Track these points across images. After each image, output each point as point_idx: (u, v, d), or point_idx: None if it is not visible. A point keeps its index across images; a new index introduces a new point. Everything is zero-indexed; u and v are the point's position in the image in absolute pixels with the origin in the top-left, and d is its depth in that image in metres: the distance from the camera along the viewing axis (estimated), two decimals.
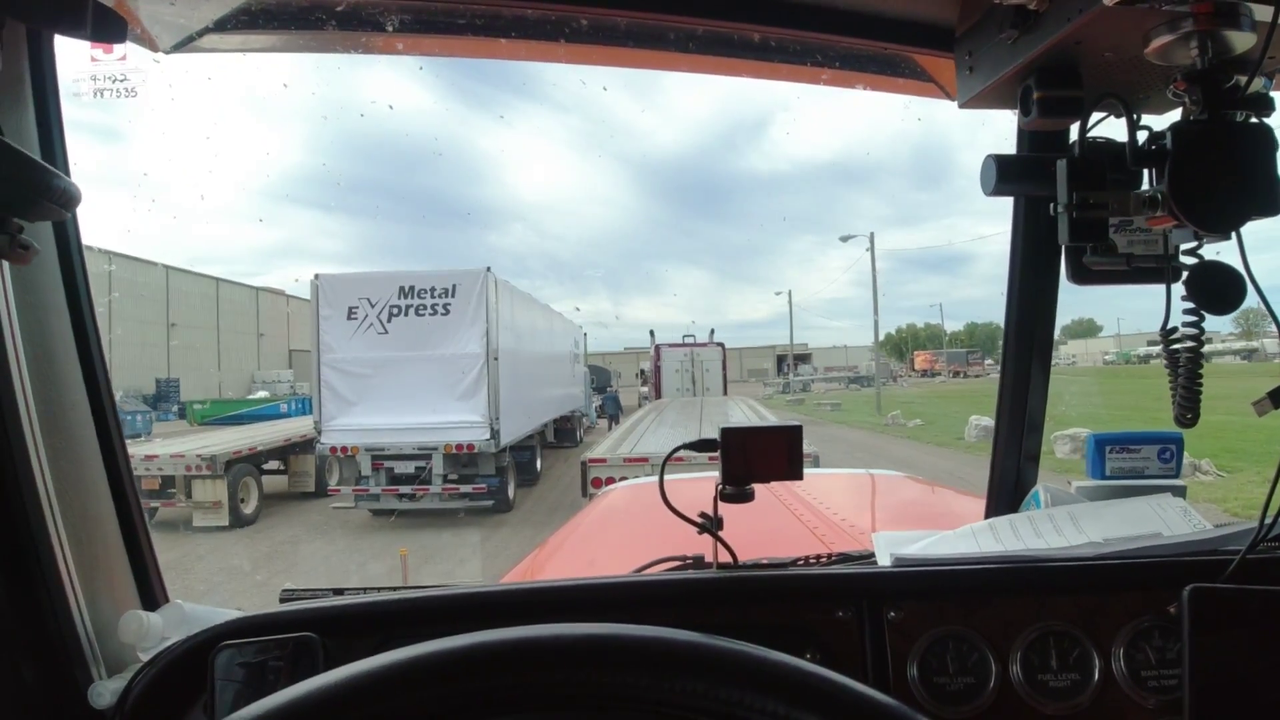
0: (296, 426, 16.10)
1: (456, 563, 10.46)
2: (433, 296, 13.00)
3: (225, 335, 40.79)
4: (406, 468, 12.80)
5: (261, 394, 30.29)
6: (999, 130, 1.49)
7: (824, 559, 1.45)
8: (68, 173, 1.20)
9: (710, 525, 1.31)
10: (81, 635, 1.17)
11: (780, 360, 58.95)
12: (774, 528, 2.62)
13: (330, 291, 13.06)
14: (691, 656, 0.63)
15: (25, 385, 1.12)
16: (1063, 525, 1.41)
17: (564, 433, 20.90)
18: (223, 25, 1.37)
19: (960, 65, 1.32)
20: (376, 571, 10.02)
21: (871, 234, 33.15)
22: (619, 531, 3.14)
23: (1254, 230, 1.11)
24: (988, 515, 1.64)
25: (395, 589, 1.34)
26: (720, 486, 1.30)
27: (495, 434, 12.79)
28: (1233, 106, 1.06)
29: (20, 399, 1.11)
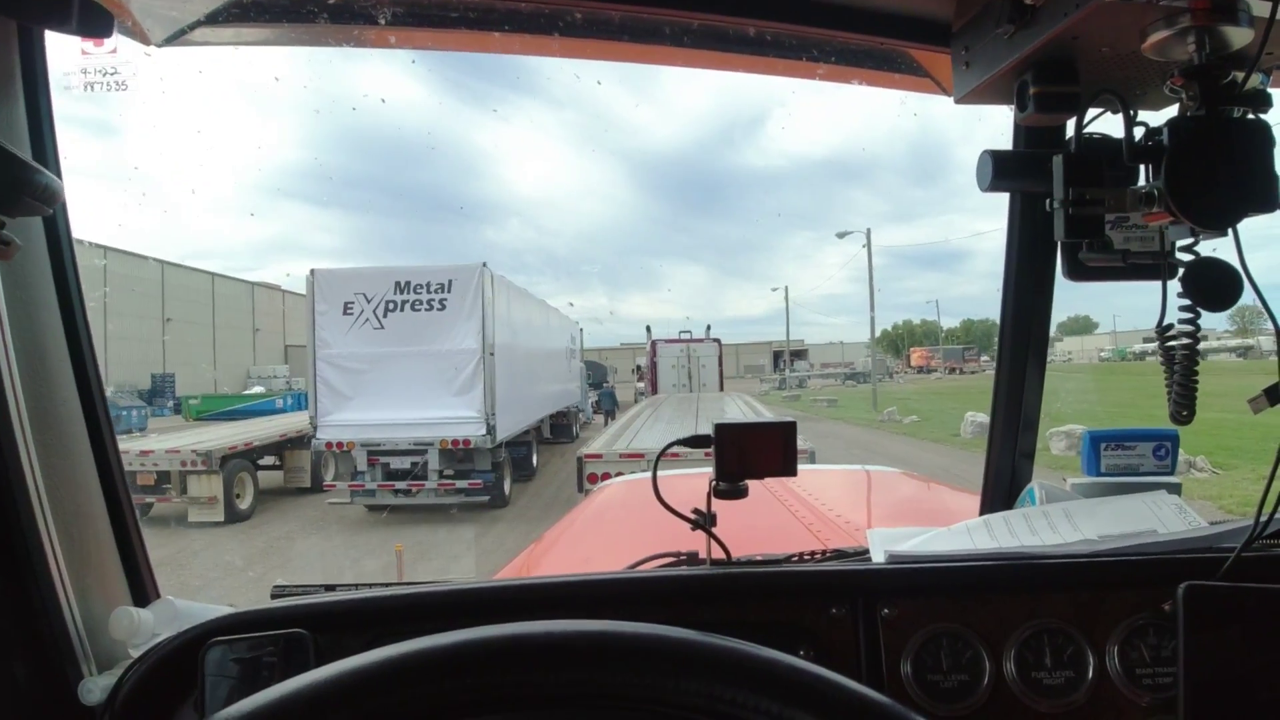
0: (292, 422, 16.09)
1: (451, 559, 10.46)
2: (429, 292, 12.98)
3: (221, 331, 40.69)
4: (402, 463, 12.78)
5: (257, 389, 30.25)
6: (996, 125, 1.49)
7: (818, 555, 1.44)
8: (58, 168, 1.19)
9: (704, 521, 1.30)
10: (72, 631, 1.17)
11: (776, 356, 58.92)
12: (769, 524, 2.62)
13: (326, 287, 13.03)
14: (685, 654, 0.62)
15: (15, 381, 1.11)
16: (1058, 522, 1.41)
17: (560, 428, 20.91)
18: (214, 18, 1.37)
19: (956, 60, 1.32)
20: (372, 567, 10.03)
21: (868, 230, 33.13)
22: (614, 527, 3.14)
23: (1250, 227, 1.10)
24: (983, 512, 1.64)
25: (387, 585, 1.34)
26: (714, 482, 1.29)
27: (491, 429, 12.79)
28: (1230, 102, 1.05)
29: (10, 394, 1.10)
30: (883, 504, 3.32)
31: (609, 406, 25.68)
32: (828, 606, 1.25)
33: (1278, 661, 1.11)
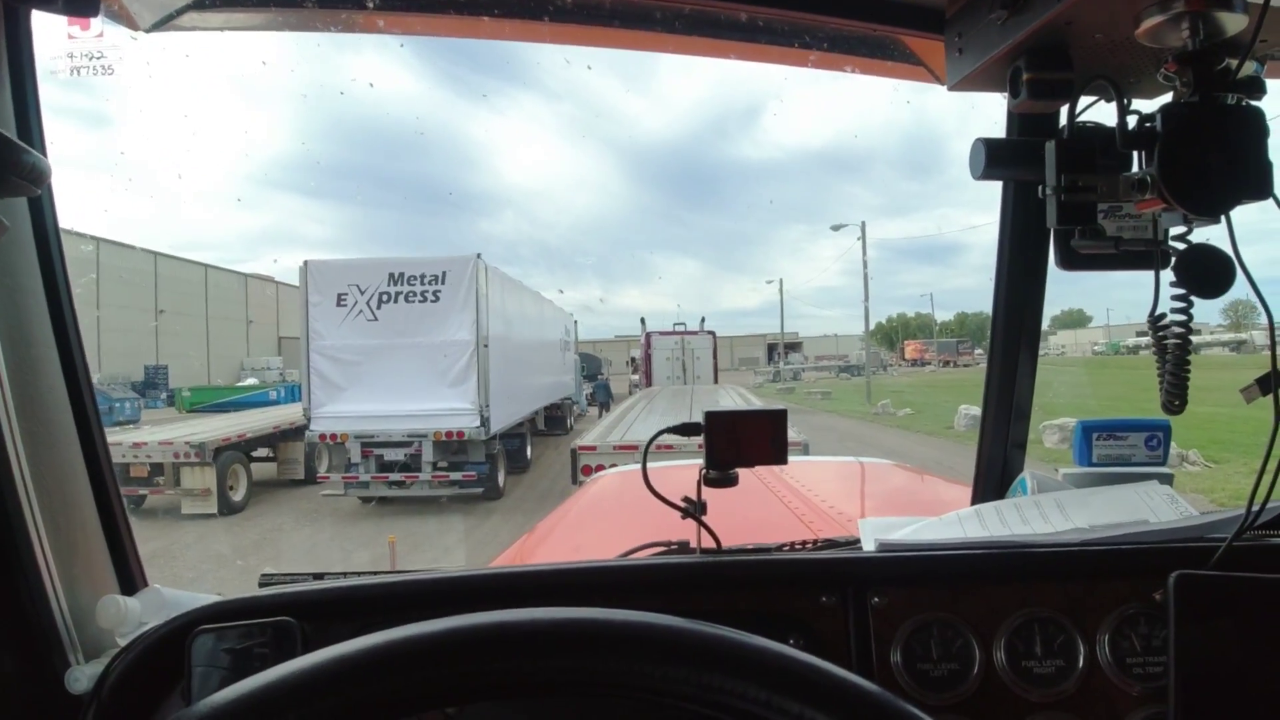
0: (286, 414, 16.07)
1: (444, 550, 10.47)
2: (423, 283, 12.94)
3: (214, 322, 40.59)
4: (396, 455, 12.77)
5: (250, 381, 30.24)
6: (990, 118, 1.49)
7: (809, 545, 1.44)
8: (44, 150, 1.18)
9: (694, 510, 1.30)
10: (58, 620, 1.16)
11: (771, 349, 59.01)
12: (762, 514, 2.63)
13: (319, 278, 12.99)
14: (673, 641, 0.62)
15: (0, 369, 1.10)
16: (1049, 512, 1.41)
17: (554, 420, 20.90)
18: (202, 3, 1.35)
19: (950, 47, 1.31)
20: (365, 559, 10.01)
21: (863, 223, 33.15)
22: (607, 518, 3.14)
23: (1245, 223, 1.10)
24: (974, 502, 1.64)
25: (376, 574, 1.33)
26: (704, 471, 1.29)
27: (485, 421, 12.78)
28: (1224, 89, 1.05)
29: None
30: (875, 495, 3.33)
31: (603, 399, 25.71)
32: (818, 595, 1.25)
33: (1268, 651, 1.11)
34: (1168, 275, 1.18)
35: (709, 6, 1.36)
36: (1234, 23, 0.99)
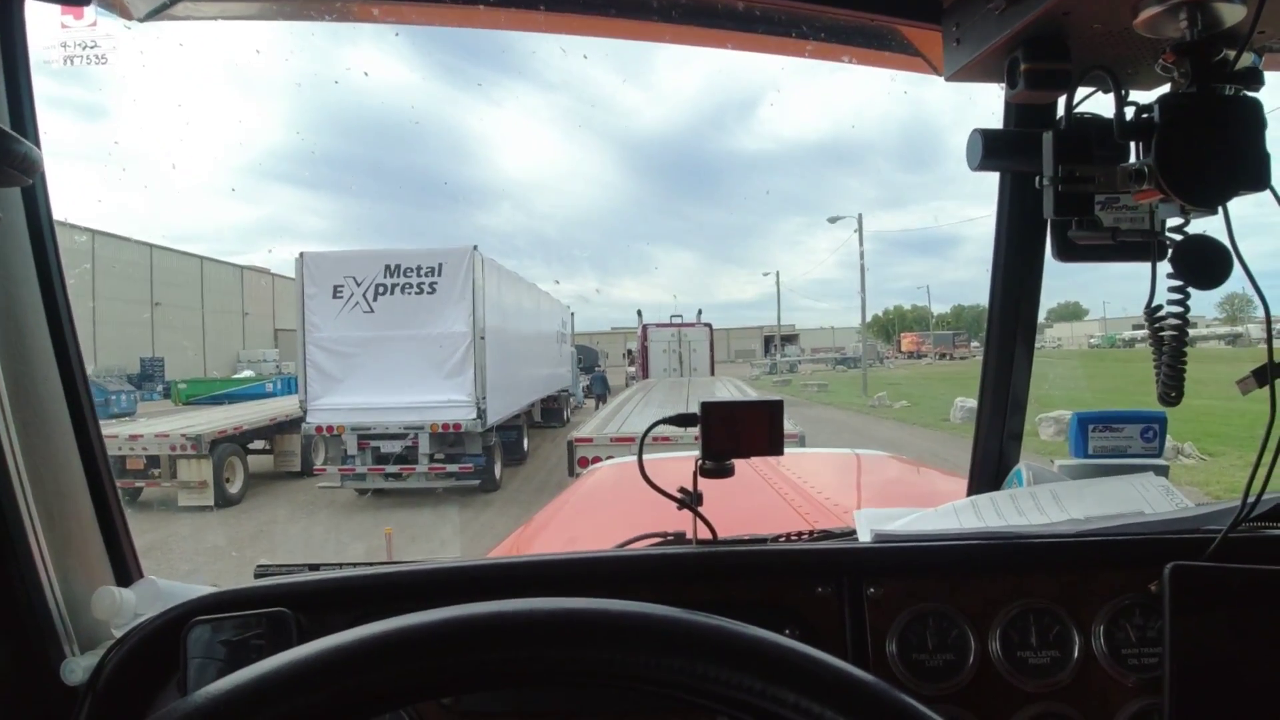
0: (282, 406, 16.07)
1: (441, 542, 10.48)
2: (419, 275, 12.92)
3: (210, 314, 40.53)
4: (393, 447, 12.77)
5: (247, 373, 30.13)
6: (987, 110, 1.48)
7: (805, 536, 1.44)
8: (37, 140, 1.17)
9: (690, 500, 1.30)
10: (54, 611, 1.16)
11: (767, 341, 59.11)
12: (758, 505, 2.64)
13: (315, 270, 12.97)
14: (667, 632, 0.62)
15: None
16: (1044, 503, 1.41)
17: (551, 412, 20.92)
18: None
19: (947, 37, 1.30)
20: (362, 550, 10.02)
21: (859, 215, 33.17)
22: (604, 509, 3.15)
23: (1243, 215, 1.10)
24: (970, 493, 1.64)
25: (371, 564, 1.33)
26: (700, 462, 1.29)
27: (482, 413, 12.78)
28: (1222, 80, 1.04)
29: None
30: (872, 486, 3.34)
31: (600, 391, 25.73)
32: (814, 586, 1.26)
33: (1263, 642, 1.12)
34: (1165, 267, 1.18)
35: None
36: (1232, 13, 0.99)
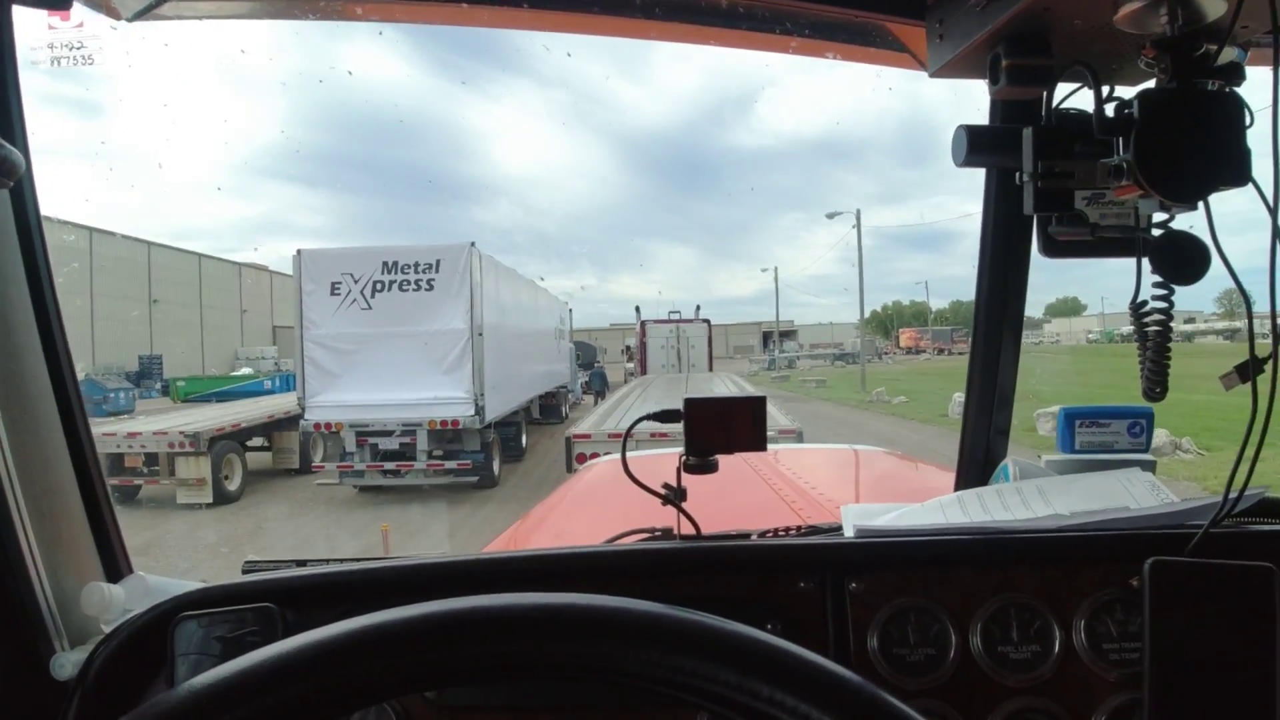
0: (280, 403, 16.07)
1: (439, 539, 10.49)
2: (416, 272, 12.92)
3: (208, 312, 40.48)
4: (391, 444, 12.79)
5: (245, 370, 30.17)
6: (986, 105, 1.48)
7: (793, 531, 1.45)
8: (24, 142, 1.18)
9: (673, 496, 1.30)
10: (43, 607, 1.17)
11: (766, 337, 59.12)
12: (753, 501, 2.65)
13: (313, 267, 12.97)
14: (643, 625, 0.62)
15: None
16: (1030, 498, 1.42)
17: (549, 409, 20.93)
18: None
19: (931, 33, 1.30)
20: (359, 547, 10.04)
21: (858, 211, 33.11)
22: (598, 505, 3.15)
23: (1237, 211, 1.10)
24: (957, 488, 1.64)
25: (358, 560, 1.34)
26: (684, 457, 1.29)
27: (480, 410, 12.79)
28: (1202, 75, 1.04)
29: None
30: (867, 482, 3.35)
31: (599, 387, 25.73)
32: (796, 581, 1.26)
33: (1242, 637, 1.12)
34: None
35: None
36: (1213, 8, 0.99)
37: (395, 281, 12.92)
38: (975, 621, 1.22)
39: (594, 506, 3.16)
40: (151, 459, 12.60)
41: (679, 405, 1.30)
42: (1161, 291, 1.20)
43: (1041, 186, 1.13)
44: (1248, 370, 1.14)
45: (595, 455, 7.77)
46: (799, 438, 9.58)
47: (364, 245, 13.69)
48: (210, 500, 12.46)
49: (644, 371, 25.55)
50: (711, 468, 1.29)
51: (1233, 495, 1.21)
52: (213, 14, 1.44)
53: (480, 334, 12.88)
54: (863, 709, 0.58)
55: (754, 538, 1.39)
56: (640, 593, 0.68)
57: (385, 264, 12.90)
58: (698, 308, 29.14)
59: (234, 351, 39.08)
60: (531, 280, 18.87)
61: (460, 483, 12.91)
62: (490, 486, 13.23)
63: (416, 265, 12.93)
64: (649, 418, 1.37)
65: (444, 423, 12.67)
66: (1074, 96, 1.20)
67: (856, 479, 3.41)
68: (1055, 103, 1.20)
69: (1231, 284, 1.16)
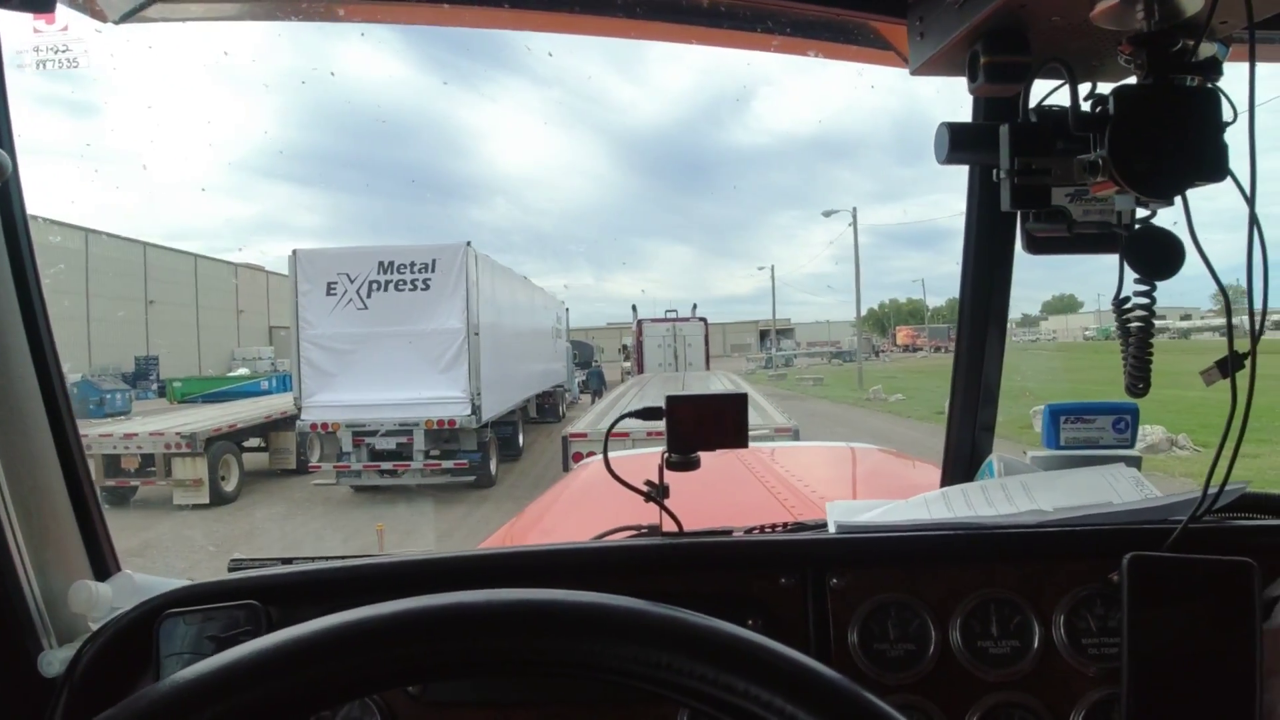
0: (277, 403, 16.05)
1: (435, 538, 10.47)
2: (412, 271, 12.92)
3: (204, 312, 40.42)
4: (388, 444, 12.79)
5: (241, 371, 30.09)
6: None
7: (778, 528, 1.45)
8: (11, 143, 1.18)
9: (655, 494, 1.31)
10: (31, 605, 1.17)
11: (763, 335, 59.12)
12: (743, 498, 2.66)
13: (309, 267, 12.96)
14: (620, 620, 0.63)
15: None
16: (1014, 494, 1.42)
17: (546, 408, 20.94)
18: None
19: (912, 30, 1.31)
20: (355, 547, 10.02)
21: (854, 209, 33.12)
22: (591, 503, 3.16)
23: (1231, 208, 1.09)
24: (943, 484, 1.65)
25: (344, 558, 1.34)
26: (666, 455, 1.30)
27: (477, 409, 12.79)
28: (1179, 70, 1.04)
29: None
30: (860, 479, 3.35)
31: (596, 386, 25.76)
32: (777, 577, 1.26)
33: (1220, 632, 1.12)
34: None
35: None
36: (1190, 3, 0.98)
37: (391, 281, 12.91)
38: (955, 617, 1.23)
39: (587, 505, 3.17)
40: (148, 460, 12.59)
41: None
42: (1143, 287, 1.20)
43: (1018, 183, 1.13)
44: (1228, 366, 1.14)
45: (591, 454, 7.77)
46: (795, 435, 9.59)
47: (360, 245, 13.71)
48: (207, 501, 12.45)
49: (641, 370, 25.56)
50: (693, 464, 1.30)
51: (1213, 490, 1.21)
52: (200, 16, 1.44)
53: (476, 333, 12.89)
54: (839, 705, 0.59)
55: (738, 534, 1.40)
56: (623, 589, 0.69)
57: (381, 264, 12.90)
58: (694, 306, 29.18)
59: (230, 352, 38.99)
60: (528, 279, 18.86)
61: (457, 482, 12.91)
62: (487, 486, 13.23)
63: (412, 265, 12.93)
64: (630, 415, 1.38)
65: (440, 422, 12.67)
66: (1059, 93, 1.20)
67: (852, 476, 3.42)
68: (1039, 100, 1.20)
69: (1228, 281, 1.16)
